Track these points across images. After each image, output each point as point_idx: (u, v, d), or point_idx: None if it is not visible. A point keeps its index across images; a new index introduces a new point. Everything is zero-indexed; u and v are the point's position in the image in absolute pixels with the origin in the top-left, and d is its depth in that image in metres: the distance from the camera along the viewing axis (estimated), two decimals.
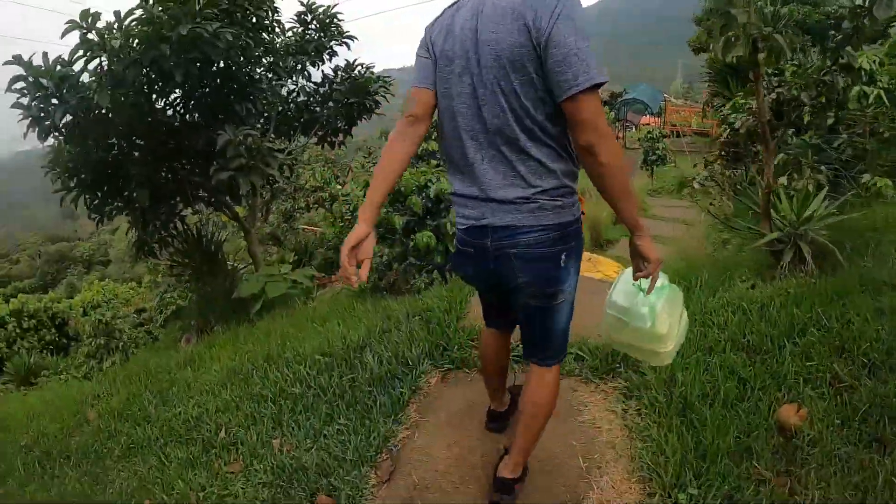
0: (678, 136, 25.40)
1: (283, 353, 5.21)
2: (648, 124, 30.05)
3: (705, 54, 23.30)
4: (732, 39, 4.65)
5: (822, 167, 5.77)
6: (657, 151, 18.76)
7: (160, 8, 6.28)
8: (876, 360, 3.59)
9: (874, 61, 8.38)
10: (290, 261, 14.26)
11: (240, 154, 6.78)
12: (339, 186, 17.35)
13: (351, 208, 13.09)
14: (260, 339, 6.05)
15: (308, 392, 4.44)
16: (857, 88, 8.13)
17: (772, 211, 5.36)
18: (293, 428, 4.09)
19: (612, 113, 30.61)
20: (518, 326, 3.07)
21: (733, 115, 7.11)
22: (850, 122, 8.37)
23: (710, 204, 5.54)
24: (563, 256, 2.60)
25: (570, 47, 2.22)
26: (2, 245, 78.10)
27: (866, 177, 7.12)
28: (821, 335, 3.95)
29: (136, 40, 6.36)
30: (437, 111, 2.69)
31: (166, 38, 6.24)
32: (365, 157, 25.02)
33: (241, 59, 7.48)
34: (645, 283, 2.73)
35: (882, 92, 7.93)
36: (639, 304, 2.98)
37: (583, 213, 2.98)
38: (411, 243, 6.61)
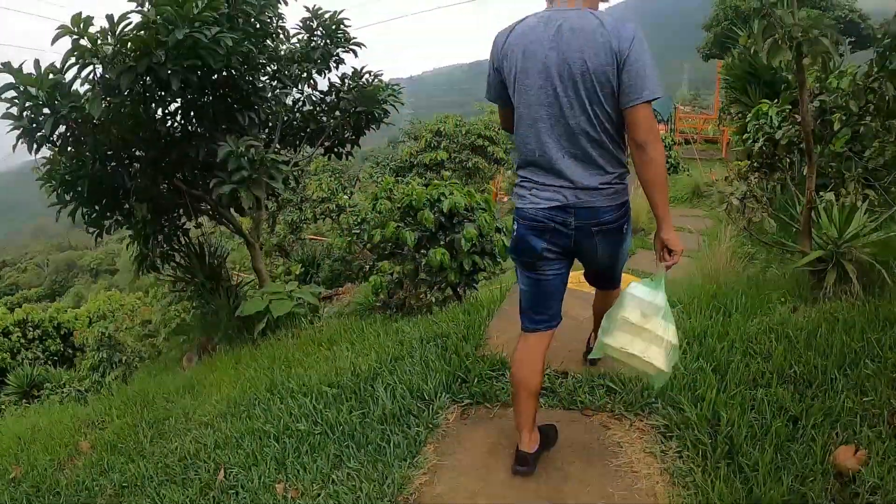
0: (687, 143, 25.13)
1: (287, 383, 4.88)
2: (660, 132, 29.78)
3: (715, 60, 23.03)
4: (779, 42, 4.30)
5: (870, 181, 5.41)
6: (669, 160, 18.42)
7: (156, 11, 5.93)
8: None
9: None
10: (297, 272, 14.00)
11: (242, 166, 6.45)
12: (347, 197, 17.12)
13: (359, 220, 12.76)
14: (263, 364, 5.73)
15: (315, 429, 4.08)
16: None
17: (812, 228, 5.03)
18: (298, 470, 3.72)
19: None
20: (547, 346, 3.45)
21: (767, 124, 6.77)
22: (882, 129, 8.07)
23: (749, 221, 5.19)
24: (625, 227, 3.22)
25: (641, 67, 2.81)
26: (10, 253, 78.38)
27: None
28: (875, 366, 3.67)
29: (131, 46, 6.02)
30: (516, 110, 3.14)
31: (162, 43, 5.90)
32: (373, 167, 24.84)
33: (244, 66, 7.16)
34: (658, 277, 3.12)
35: None
36: (654, 298, 3.08)
37: None
38: (423, 260, 6.28)
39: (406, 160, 24.34)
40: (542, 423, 3.53)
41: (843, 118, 5.06)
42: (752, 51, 4.67)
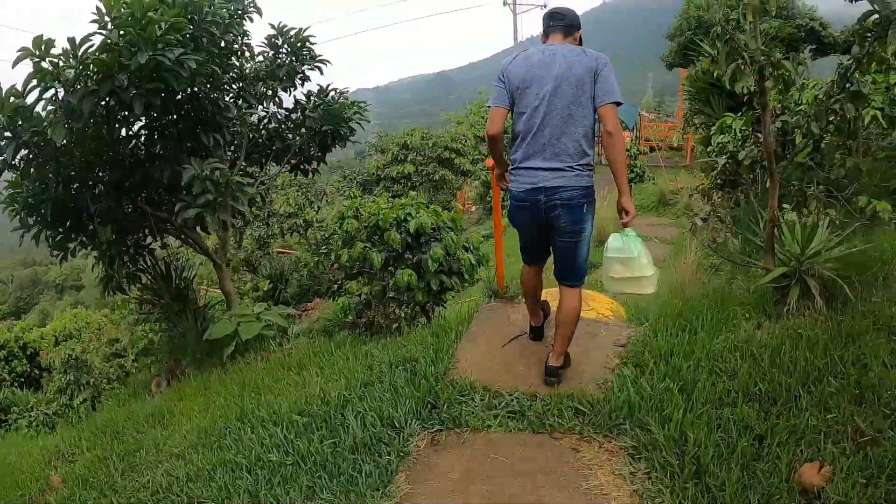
0: (652, 150, 25.31)
1: (258, 411, 4.83)
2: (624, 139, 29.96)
3: (678, 69, 23.24)
4: (742, 68, 4.36)
5: (832, 193, 5.48)
6: (634, 169, 18.49)
7: (120, 33, 5.87)
8: None
9: (868, 81, 8.20)
10: (265, 289, 13.84)
11: (207, 190, 6.40)
12: (314, 212, 17.02)
13: (326, 235, 12.69)
14: (233, 391, 5.67)
15: (287, 460, 4.04)
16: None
17: (774, 245, 5.08)
18: (272, 503, 3.69)
19: None
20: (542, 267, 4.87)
21: (729, 142, 6.85)
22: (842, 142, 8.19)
23: (713, 240, 5.24)
24: (586, 206, 4.23)
25: (609, 80, 4.10)
26: None
27: (863, 200, 6.89)
28: (838, 383, 3.75)
29: (93, 69, 5.96)
30: (516, 115, 4.31)
31: (125, 66, 5.85)
32: (340, 181, 24.73)
33: (208, 86, 7.11)
34: (628, 232, 4.32)
35: (878, 113, 7.74)
36: (627, 245, 4.32)
37: None
38: (391, 280, 6.25)
39: (373, 173, 24.43)
40: (513, 441, 3.91)
41: (805, 136, 5.10)
42: (714, 74, 4.71)
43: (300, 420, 4.45)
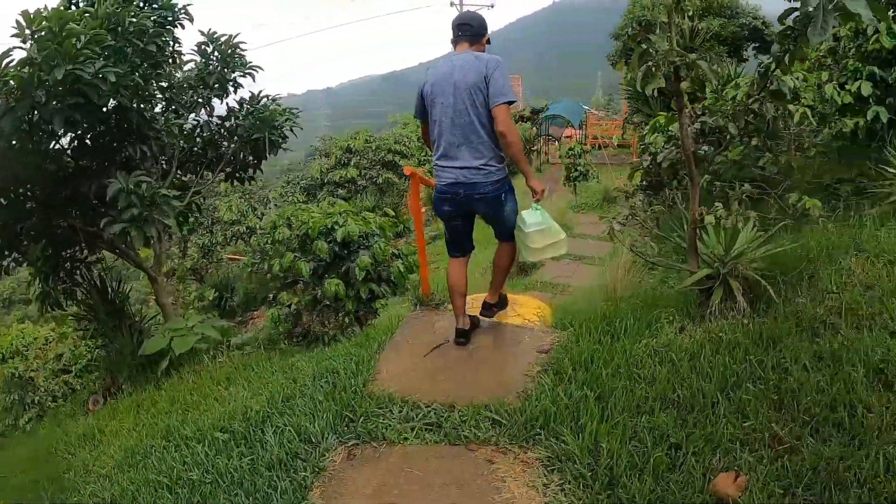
0: (599, 148, 25.51)
1: (182, 429, 4.74)
2: (571, 137, 30.45)
3: (625, 68, 23.51)
4: (653, 70, 4.38)
5: (764, 189, 5.53)
6: (579, 167, 18.59)
7: (38, 48, 5.74)
8: (819, 417, 3.38)
9: (798, 78, 8.31)
10: (210, 298, 13.65)
11: (132, 204, 6.29)
12: (258, 219, 16.86)
13: (271, 240, 12.60)
14: (163, 408, 5.60)
15: (206, 478, 3.96)
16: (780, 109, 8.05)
17: (700, 245, 5.10)
18: None
19: (534, 129, 30.98)
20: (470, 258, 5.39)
21: (654, 144, 6.90)
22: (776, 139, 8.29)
23: (633, 243, 5.28)
24: (502, 195, 4.84)
25: (498, 82, 4.53)
26: None
27: (794, 197, 6.96)
28: (757, 389, 3.73)
29: (13, 84, 5.83)
30: (430, 122, 4.86)
31: (43, 81, 5.73)
32: (284, 186, 24.45)
33: (134, 98, 6.99)
34: (538, 207, 4.90)
35: (808, 110, 7.83)
36: (539, 218, 4.89)
37: None
38: (320, 290, 6.21)
39: (317, 178, 24.28)
40: (429, 454, 3.87)
41: (725, 139, 5.13)
42: (628, 77, 4.75)
43: (221, 437, 4.38)
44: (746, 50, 21.19)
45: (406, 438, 3.97)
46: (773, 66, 4.63)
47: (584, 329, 5.06)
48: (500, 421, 3.98)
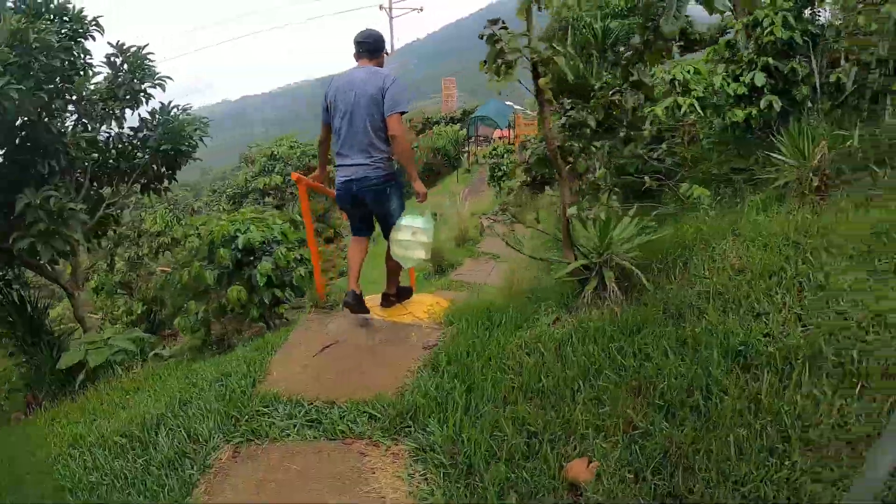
0: (525, 147, 25.83)
1: (88, 436, 4.88)
2: (503, 138, 30.76)
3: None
4: (503, 67, 4.60)
5: (616, 192, 5.73)
6: (503, 167, 18.80)
7: None
8: (673, 401, 3.50)
9: (689, 71, 8.61)
10: (139, 312, 13.52)
11: (40, 219, 6.38)
12: (182, 229, 16.74)
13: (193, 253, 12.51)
14: (74, 418, 5.69)
15: (104, 480, 4.12)
16: (669, 99, 8.30)
17: (582, 237, 5.28)
18: None
19: (463, 130, 31.29)
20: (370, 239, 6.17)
21: (529, 141, 7.16)
22: (669, 131, 8.56)
23: (504, 236, 5.50)
24: (387, 189, 5.55)
25: (393, 94, 5.25)
26: None
27: (684, 186, 7.25)
28: (617, 375, 3.87)
29: None
30: (333, 128, 5.58)
31: None
32: (209, 195, 24.10)
33: (41, 113, 7.06)
34: (419, 209, 5.60)
35: (695, 101, 8.13)
36: (425, 220, 5.55)
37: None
38: (225, 298, 6.36)
39: (242, 186, 24.25)
40: (308, 449, 4.03)
41: (588, 133, 5.32)
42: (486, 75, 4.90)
43: (120, 441, 4.53)
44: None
45: (288, 435, 4.12)
46: (636, 57, 4.87)
47: (467, 324, 5.25)
48: (375, 415, 4.18)
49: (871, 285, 4.00)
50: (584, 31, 14.20)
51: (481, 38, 4.72)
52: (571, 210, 5.00)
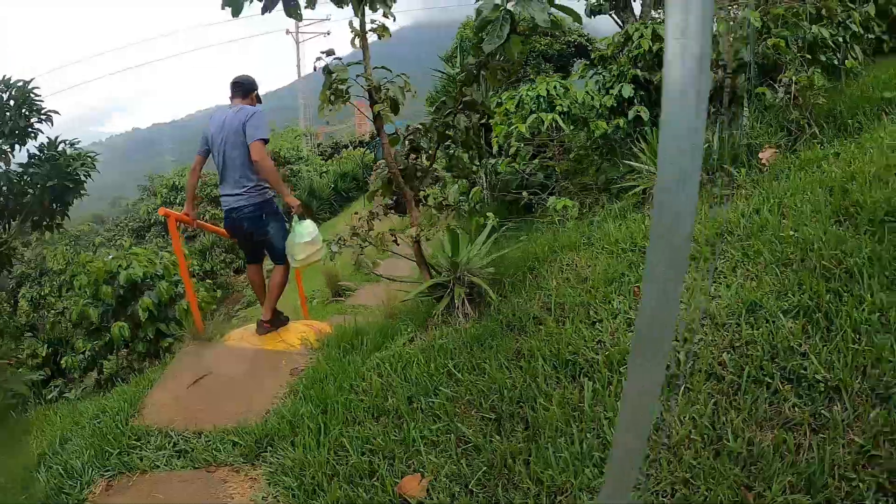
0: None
1: None
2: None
3: None
4: (331, 98, 4.93)
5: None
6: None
7: None
8: (504, 413, 3.67)
9: (554, 87, 9.05)
10: (43, 354, 13.27)
11: None
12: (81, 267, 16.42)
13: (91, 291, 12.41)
14: None
15: None
16: (533, 116, 8.72)
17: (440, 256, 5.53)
18: None
19: (371, 153, 31.56)
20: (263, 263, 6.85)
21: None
22: (542, 146, 8.98)
23: (356, 259, 5.71)
24: (262, 215, 6.16)
25: (253, 126, 5.83)
26: None
27: (551, 200, 7.68)
28: (453, 391, 4.06)
29: None
30: (212, 158, 6.23)
31: None
32: (110, 230, 23.51)
33: None
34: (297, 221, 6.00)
35: (557, 117, 8.55)
36: (312, 229, 6.03)
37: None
38: (109, 335, 6.54)
39: (144, 219, 23.96)
40: (174, 478, 4.23)
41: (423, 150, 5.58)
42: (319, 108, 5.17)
43: (2, 482, 4.70)
44: (573, 65, 22.30)
45: (157, 466, 4.30)
46: (471, 78, 5.12)
47: (331, 348, 5.49)
48: (238, 442, 4.38)
49: (702, 285, 4.22)
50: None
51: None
52: (410, 231, 5.29)
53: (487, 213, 6.86)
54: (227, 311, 10.82)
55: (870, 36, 10.22)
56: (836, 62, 8.24)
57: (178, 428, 4.71)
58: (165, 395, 5.34)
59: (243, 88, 6.33)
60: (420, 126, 5.67)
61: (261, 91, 6.43)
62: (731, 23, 7.13)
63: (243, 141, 5.92)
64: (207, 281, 11.05)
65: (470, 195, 10.18)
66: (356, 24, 4.96)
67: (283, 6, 4.93)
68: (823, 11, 7.49)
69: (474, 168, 9.37)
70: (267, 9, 4.89)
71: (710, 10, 1.03)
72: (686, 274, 4.18)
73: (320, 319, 7.81)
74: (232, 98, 6.29)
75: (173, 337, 6.97)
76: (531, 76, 10.57)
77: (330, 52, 5.13)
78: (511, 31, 4.55)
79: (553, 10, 4.53)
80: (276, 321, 6.55)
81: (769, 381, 3.19)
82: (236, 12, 4.81)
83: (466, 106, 5.28)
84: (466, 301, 5.15)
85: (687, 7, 1.02)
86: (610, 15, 14.50)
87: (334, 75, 4.95)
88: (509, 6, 4.47)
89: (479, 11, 4.53)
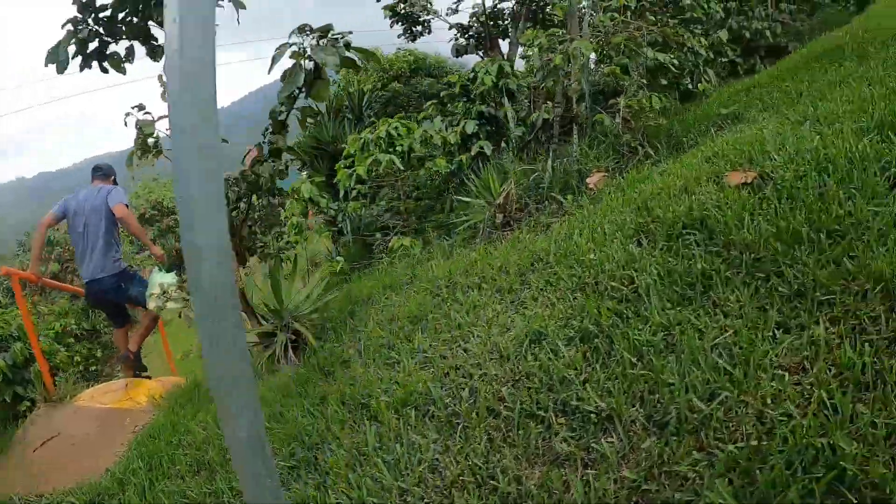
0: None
1: None
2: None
3: None
4: (139, 152, 5.20)
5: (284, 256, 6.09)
6: (284, 236, 18.81)
7: None
8: (300, 461, 3.60)
9: (395, 128, 9.18)
10: None
11: None
12: None
13: None
14: None
15: None
16: (370, 158, 8.87)
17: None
18: None
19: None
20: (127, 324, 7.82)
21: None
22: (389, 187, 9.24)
23: (180, 313, 5.88)
24: (122, 284, 7.01)
25: (113, 195, 6.91)
26: None
27: (395, 240, 7.96)
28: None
29: None
30: (72, 238, 7.09)
31: None
32: None
33: None
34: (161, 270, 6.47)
35: (395, 157, 8.71)
36: (166, 277, 6.23)
37: None
38: None
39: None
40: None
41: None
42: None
43: None
44: (457, 105, 22.77)
45: None
46: (276, 126, 5.33)
47: (170, 404, 5.65)
48: (74, 502, 4.47)
49: (500, 317, 4.14)
50: (340, 94, 14.94)
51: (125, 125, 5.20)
52: (247, 277, 5.55)
53: (336, 258, 7.20)
54: (110, 370, 10.72)
55: (723, 59, 10.94)
56: (689, 86, 8.72)
57: (19, 493, 4.79)
58: (11, 459, 5.45)
59: (103, 172, 7.41)
60: (227, 177, 5.64)
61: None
62: (566, 54, 7.23)
63: (105, 215, 6.81)
64: (85, 342, 10.89)
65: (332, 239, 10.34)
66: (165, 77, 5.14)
67: (108, 62, 5.51)
68: (667, 38, 7.82)
69: (331, 212, 9.67)
70: (85, 65, 5.26)
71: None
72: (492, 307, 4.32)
73: (192, 374, 7.73)
74: (93, 179, 7.33)
75: (31, 400, 6.88)
76: (414, 116, 10.74)
77: (141, 107, 5.25)
78: (316, 77, 4.83)
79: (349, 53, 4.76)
80: (138, 363, 7.59)
81: (543, 414, 3.01)
82: (61, 69, 5.33)
83: (272, 154, 5.43)
84: (291, 348, 5.30)
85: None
86: (477, 54, 14.91)
87: (142, 130, 5.18)
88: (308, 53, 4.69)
89: (273, 59, 4.69)
